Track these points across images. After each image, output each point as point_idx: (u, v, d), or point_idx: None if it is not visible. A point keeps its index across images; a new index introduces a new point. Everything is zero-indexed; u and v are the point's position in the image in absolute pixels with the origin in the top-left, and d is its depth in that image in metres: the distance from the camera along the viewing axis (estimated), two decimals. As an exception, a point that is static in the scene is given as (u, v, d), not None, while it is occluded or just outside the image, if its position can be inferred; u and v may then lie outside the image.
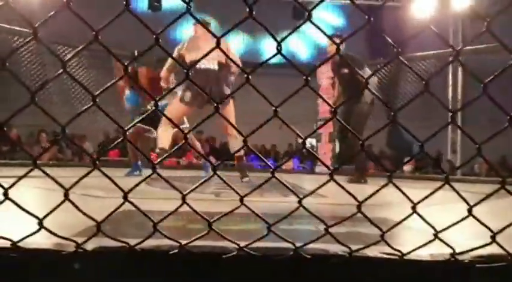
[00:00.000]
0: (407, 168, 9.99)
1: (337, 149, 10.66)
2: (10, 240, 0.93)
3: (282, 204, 2.73)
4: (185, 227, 1.65)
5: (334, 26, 14.65)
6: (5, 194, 0.90)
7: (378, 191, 1.00)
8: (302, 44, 14.65)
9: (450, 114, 1.00)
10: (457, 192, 1.02)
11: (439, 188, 1.01)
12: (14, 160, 8.30)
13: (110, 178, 0.95)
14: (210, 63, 4.71)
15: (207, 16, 5.20)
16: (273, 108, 0.94)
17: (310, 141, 11.66)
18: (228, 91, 4.68)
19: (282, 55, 0.90)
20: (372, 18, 0.94)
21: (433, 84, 1.04)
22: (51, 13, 0.92)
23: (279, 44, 0.92)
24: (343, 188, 0.99)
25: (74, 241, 0.95)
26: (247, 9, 0.91)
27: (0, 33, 7.81)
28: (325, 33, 0.96)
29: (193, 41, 4.90)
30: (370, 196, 1.01)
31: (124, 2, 0.88)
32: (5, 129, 0.89)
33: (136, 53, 6.81)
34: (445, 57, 8.41)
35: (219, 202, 2.79)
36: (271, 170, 0.97)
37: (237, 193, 0.99)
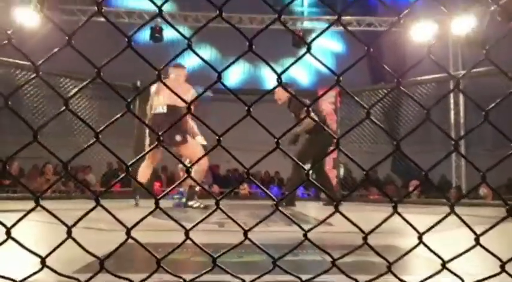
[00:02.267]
0: (415, 192, 9.88)
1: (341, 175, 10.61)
2: (13, 280, 0.92)
3: (287, 234, 2.69)
4: (189, 260, 1.63)
5: (333, 52, 14.80)
6: (8, 233, 0.89)
7: (383, 221, 0.99)
8: (301, 70, 14.75)
9: (453, 143, 0.99)
10: (464, 222, 1.01)
11: (444, 217, 1.00)
12: (15, 193, 8.28)
13: (111, 214, 0.94)
14: (160, 108, 5.03)
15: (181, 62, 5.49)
16: (275, 140, 0.94)
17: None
18: (178, 133, 4.83)
19: (284, 88, 0.91)
20: (371, 49, 0.95)
21: (434, 108, 1.05)
22: (54, 50, 0.93)
23: (279, 76, 0.92)
24: (347, 218, 0.98)
25: (77, 279, 0.94)
26: (247, 43, 0.92)
27: (1, 67, 7.86)
28: (325, 66, 0.96)
29: (162, 85, 4.96)
30: (376, 227, 1.00)
31: (126, 39, 0.89)
32: (7, 167, 0.89)
33: (138, 84, 6.88)
34: (445, 81, 8.42)
35: (224, 233, 2.76)
36: (274, 202, 0.97)
37: (241, 227, 0.98)
